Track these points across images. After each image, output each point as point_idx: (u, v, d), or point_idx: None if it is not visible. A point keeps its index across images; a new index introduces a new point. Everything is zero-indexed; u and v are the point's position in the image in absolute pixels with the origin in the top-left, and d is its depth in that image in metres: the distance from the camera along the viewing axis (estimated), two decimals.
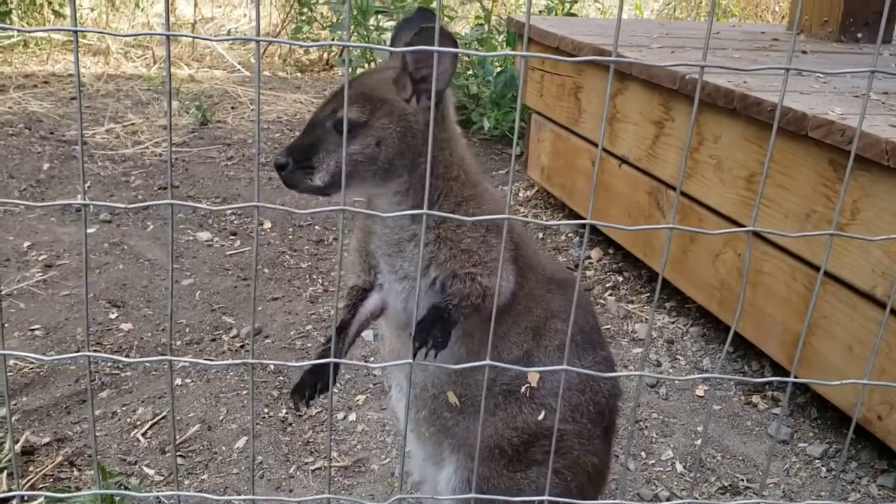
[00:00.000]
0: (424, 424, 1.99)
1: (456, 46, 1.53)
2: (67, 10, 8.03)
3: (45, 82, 6.97)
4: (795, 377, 1.51)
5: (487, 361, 1.43)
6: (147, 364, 3.12)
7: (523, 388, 1.87)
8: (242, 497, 1.58)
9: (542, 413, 1.87)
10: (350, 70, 6.59)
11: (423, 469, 2.10)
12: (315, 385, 1.74)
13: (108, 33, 1.26)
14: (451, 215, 1.47)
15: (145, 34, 1.16)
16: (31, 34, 7.95)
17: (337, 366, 1.75)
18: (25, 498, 2.27)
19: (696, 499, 2.40)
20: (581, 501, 1.97)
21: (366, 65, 6.12)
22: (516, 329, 1.89)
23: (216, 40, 1.29)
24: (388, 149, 1.70)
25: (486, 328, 1.84)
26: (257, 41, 1.23)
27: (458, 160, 1.82)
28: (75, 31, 1.21)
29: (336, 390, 2.05)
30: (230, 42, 8.65)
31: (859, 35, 4.73)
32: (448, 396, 1.91)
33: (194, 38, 1.26)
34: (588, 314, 2.03)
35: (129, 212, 4.53)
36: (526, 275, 1.90)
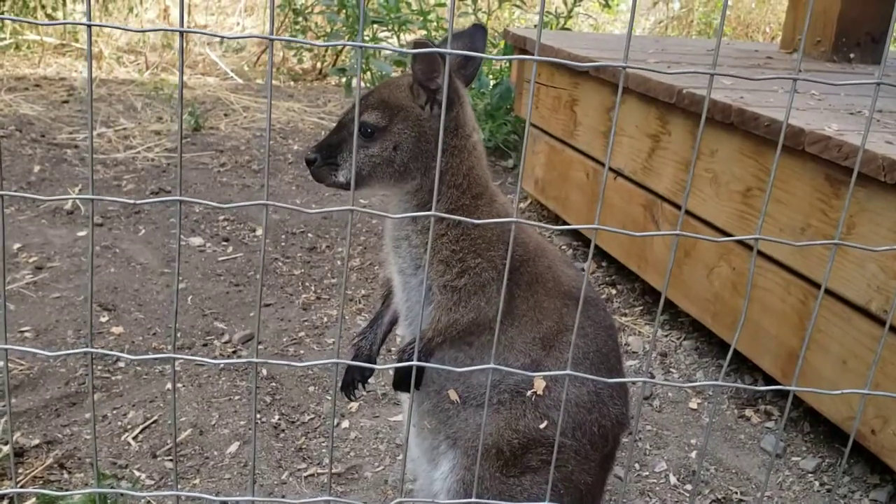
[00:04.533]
0: (427, 417, 1.99)
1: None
2: (61, 15, 8.01)
3: (37, 85, 6.94)
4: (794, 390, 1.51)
5: (491, 365, 1.44)
6: (138, 367, 3.10)
7: (529, 393, 1.86)
8: (240, 498, 1.57)
9: (545, 423, 1.86)
10: (346, 79, 6.53)
11: (419, 467, 2.10)
12: (354, 379, 2.02)
13: (119, 27, 1.26)
14: (457, 216, 1.48)
15: (158, 30, 1.16)
16: (24, 37, 7.93)
17: (370, 360, 2.05)
18: (15, 498, 2.23)
19: None
20: None
21: (362, 74, 6.11)
22: (522, 338, 1.90)
23: (228, 37, 1.29)
24: (404, 153, 1.82)
25: (482, 337, 1.87)
26: (270, 39, 1.26)
27: (466, 169, 1.86)
28: (89, 26, 1.21)
29: (329, 397, 2.05)
30: (223, 49, 8.65)
31: (852, 55, 4.78)
32: (449, 394, 1.92)
33: (206, 34, 1.26)
34: (610, 338, 2.03)
35: (121, 216, 4.50)
36: (533, 287, 1.91)
